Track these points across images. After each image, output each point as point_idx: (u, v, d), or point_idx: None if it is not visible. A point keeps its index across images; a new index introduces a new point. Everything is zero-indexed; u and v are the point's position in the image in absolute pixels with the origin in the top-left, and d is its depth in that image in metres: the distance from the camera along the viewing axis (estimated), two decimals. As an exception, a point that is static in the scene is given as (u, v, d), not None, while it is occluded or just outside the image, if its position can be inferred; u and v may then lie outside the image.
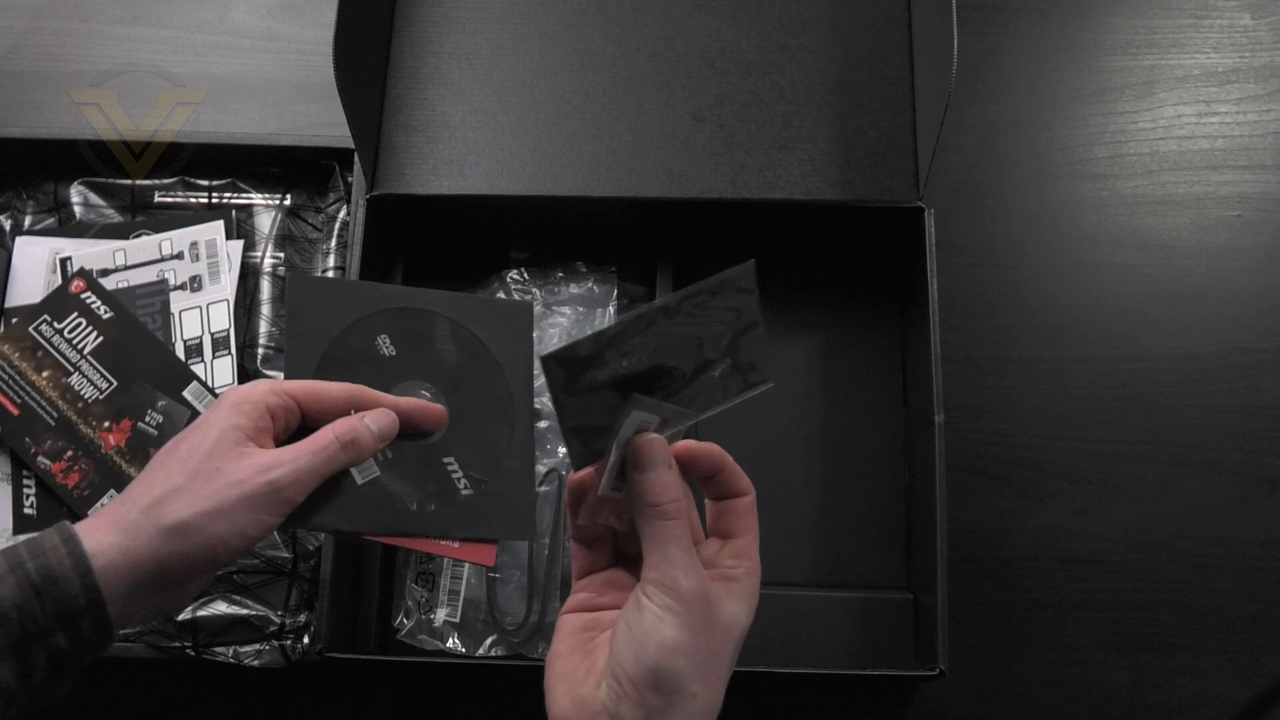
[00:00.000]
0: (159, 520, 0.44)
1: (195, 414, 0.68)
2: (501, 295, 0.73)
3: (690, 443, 0.43)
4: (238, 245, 0.72)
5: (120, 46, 0.82)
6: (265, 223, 0.73)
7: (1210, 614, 0.70)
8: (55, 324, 0.68)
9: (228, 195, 0.74)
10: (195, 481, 0.45)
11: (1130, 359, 0.74)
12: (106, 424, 0.67)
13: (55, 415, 0.67)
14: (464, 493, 0.53)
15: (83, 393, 0.67)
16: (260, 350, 0.70)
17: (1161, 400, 0.73)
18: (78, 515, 0.66)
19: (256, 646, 0.65)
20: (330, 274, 0.71)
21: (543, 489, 0.68)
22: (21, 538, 0.57)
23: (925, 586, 0.64)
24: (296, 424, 0.49)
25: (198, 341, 0.70)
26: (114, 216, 0.74)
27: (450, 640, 0.67)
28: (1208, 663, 0.69)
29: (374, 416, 0.50)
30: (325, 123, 0.79)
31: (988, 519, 0.72)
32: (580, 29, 0.72)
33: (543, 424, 0.69)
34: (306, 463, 0.46)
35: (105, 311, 0.69)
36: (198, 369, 0.69)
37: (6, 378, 0.67)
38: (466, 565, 0.68)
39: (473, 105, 0.70)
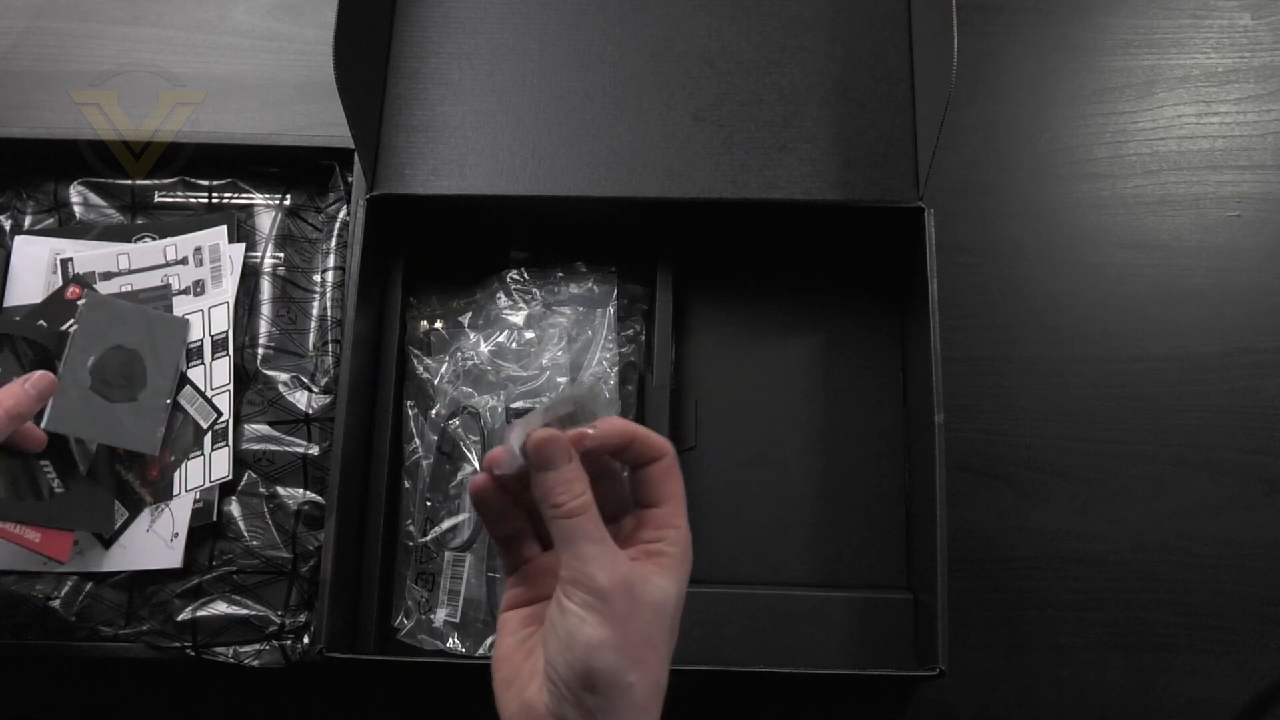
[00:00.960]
0: None
1: (188, 419, 0.68)
2: (501, 295, 0.73)
3: (585, 429, 0.41)
4: (240, 248, 0.72)
5: (120, 46, 0.82)
6: (265, 223, 0.73)
7: (1210, 614, 0.70)
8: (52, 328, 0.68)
9: (228, 195, 0.74)
10: None
11: (1130, 359, 0.74)
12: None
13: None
14: (57, 490, 0.63)
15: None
16: (260, 350, 0.70)
17: (1161, 400, 0.73)
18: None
19: (256, 646, 0.64)
20: (330, 274, 0.71)
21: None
22: None
23: (925, 586, 0.64)
24: None
25: (198, 344, 0.70)
26: (114, 216, 0.74)
27: (450, 640, 0.67)
28: (1208, 663, 0.69)
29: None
30: (325, 123, 0.79)
31: (988, 519, 0.72)
32: (580, 29, 0.72)
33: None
34: None
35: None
36: (196, 371, 0.69)
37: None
38: (466, 565, 0.68)
39: (473, 105, 0.70)
